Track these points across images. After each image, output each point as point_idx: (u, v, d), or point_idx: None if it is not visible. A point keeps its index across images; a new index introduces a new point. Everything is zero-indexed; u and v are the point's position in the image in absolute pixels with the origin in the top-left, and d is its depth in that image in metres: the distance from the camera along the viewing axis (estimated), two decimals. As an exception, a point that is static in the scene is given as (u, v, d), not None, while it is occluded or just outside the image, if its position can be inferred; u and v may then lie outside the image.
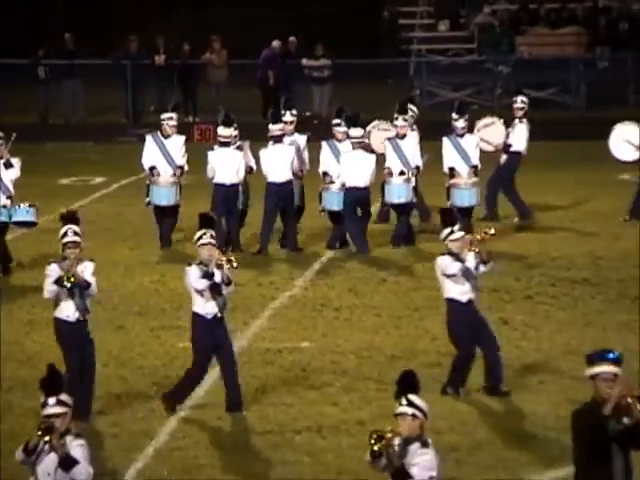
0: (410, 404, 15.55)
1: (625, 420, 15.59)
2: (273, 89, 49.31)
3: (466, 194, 32.49)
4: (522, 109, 35.12)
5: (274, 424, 22.49)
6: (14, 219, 30.87)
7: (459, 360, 22.79)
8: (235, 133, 32.22)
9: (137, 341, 26.21)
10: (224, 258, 21.84)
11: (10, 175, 31.22)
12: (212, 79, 51.66)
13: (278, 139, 32.20)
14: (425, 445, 15.38)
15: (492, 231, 22.46)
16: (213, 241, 22.30)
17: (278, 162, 32.08)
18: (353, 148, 32.15)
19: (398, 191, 32.43)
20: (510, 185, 34.48)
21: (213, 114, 47.72)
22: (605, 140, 33.27)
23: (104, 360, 24.68)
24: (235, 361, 22.63)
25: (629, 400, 15.64)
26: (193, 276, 21.91)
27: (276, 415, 22.84)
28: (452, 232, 22.27)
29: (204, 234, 22.34)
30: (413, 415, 15.48)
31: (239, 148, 32.23)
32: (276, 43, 50.55)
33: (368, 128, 34.09)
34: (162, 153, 32.44)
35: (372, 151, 32.37)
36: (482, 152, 34.47)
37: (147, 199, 32.33)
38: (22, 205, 30.89)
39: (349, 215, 31.80)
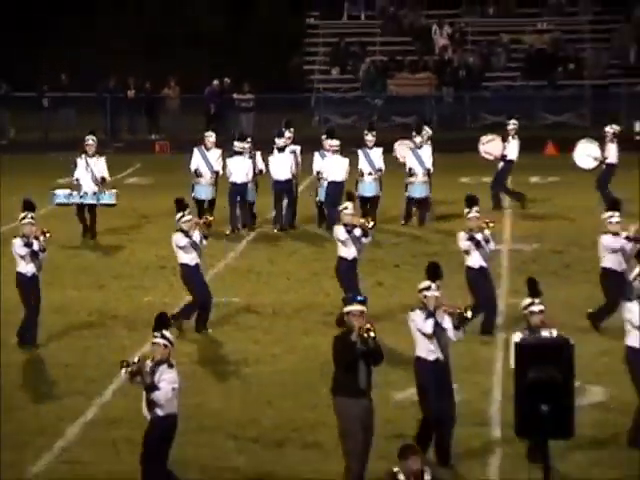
0: (163, 337, 16.08)
1: (370, 343, 16.17)
2: (213, 116, 49.11)
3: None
4: (514, 129, 34.36)
5: (213, 357, 22.42)
6: (101, 202, 30.95)
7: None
8: (248, 146, 32.13)
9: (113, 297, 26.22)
10: None
11: (100, 167, 31.21)
12: (169, 108, 51.40)
13: (281, 149, 32.11)
14: (171, 366, 15.91)
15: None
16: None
17: (281, 166, 32.00)
18: (332, 154, 31.90)
19: (420, 189, 32.40)
20: (504, 183, 34.11)
21: (169, 134, 47.63)
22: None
23: (89, 311, 24.57)
24: None
25: (369, 328, 16.12)
26: None
27: (214, 350, 22.80)
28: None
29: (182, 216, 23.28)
30: (164, 345, 15.95)
31: (252, 157, 32.03)
32: (215, 82, 50.29)
33: (395, 144, 33.98)
34: (204, 161, 32.04)
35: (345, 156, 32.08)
36: (486, 160, 34.52)
37: (192, 194, 31.74)
38: (107, 191, 31.09)
39: (330, 200, 31.44)
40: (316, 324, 23.95)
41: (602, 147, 33.30)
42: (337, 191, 31.21)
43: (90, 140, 31.69)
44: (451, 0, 53.90)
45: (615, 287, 22.29)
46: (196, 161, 32.25)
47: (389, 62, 52.09)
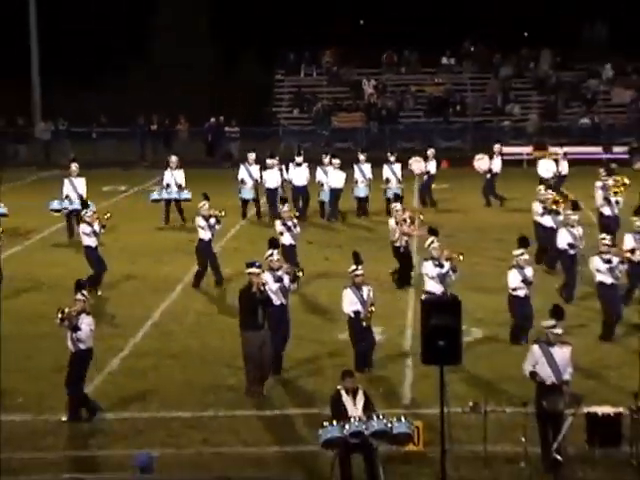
0: (82, 294, 15.83)
1: (264, 293, 16.79)
2: (211, 144, 48.85)
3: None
4: (499, 150, 33.63)
5: (212, 310, 22.21)
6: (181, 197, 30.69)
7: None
8: (276, 162, 31.82)
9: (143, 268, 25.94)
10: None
11: (179, 175, 31.22)
12: (180, 137, 51.12)
13: (299, 164, 31.66)
14: (88, 314, 15.65)
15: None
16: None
17: (300, 176, 31.49)
18: (334, 169, 31.47)
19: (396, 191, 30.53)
20: (492, 190, 33.18)
21: (180, 155, 47.23)
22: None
23: (127, 278, 24.27)
24: None
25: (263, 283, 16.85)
26: None
27: (214, 305, 22.55)
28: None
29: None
30: (83, 300, 15.74)
31: (280, 170, 31.86)
32: (212, 119, 49.94)
33: (410, 160, 33.57)
34: (247, 172, 31.61)
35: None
36: (477, 173, 33.84)
37: (239, 195, 31.67)
38: (185, 190, 30.75)
39: (332, 201, 31.22)
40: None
41: (490, 160, 33.17)
42: (337, 194, 31.20)
43: (73, 166, 29.54)
44: (375, 62, 53.85)
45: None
46: (242, 173, 31.74)
47: (333, 105, 51.92)
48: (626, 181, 26.33)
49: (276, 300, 17.53)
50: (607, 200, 25.37)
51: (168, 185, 30.95)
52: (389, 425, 13.28)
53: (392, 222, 23.05)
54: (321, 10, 55.96)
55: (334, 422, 13.17)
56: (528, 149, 45.01)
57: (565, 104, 50.32)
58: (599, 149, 44.82)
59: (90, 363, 15.91)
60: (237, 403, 16.44)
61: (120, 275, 24.31)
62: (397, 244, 23.29)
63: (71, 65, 54.29)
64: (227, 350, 19.06)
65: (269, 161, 31.95)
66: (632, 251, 20.16)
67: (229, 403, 16.43)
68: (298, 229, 23.84)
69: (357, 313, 17.49)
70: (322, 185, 31.51)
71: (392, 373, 17.69)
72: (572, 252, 21.58)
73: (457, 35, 53.02)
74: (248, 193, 31.80)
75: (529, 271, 18.89)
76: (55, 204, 29.11)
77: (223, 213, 23.99)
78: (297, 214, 29.89)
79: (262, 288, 16.94)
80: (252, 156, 32.28)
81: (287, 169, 32.12)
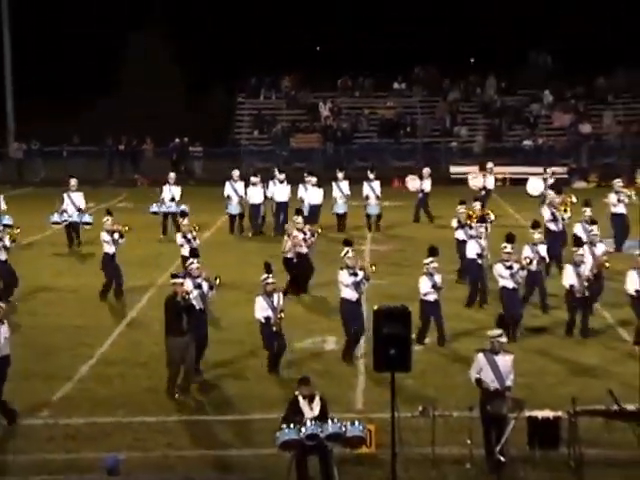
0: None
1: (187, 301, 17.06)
2: (175, 162, 48.72)
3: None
4: (490, 169, 34.06)
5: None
6: (83, 221, 29.79)
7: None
8: (259, 180, 31.75)
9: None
10: None
11: (176, 191, 31.52)
12: (146, 157, 50.98)
13: (282, 182, 31.68)
14: (3, 323, 15.42)
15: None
16: None
17: (282, 193, 31.51)
18: (312, 186, 31.54)
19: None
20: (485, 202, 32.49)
21: (146, 174, 47.14)
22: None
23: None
24: None
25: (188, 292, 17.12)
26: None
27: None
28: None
29: None
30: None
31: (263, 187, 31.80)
32: (177, 140, 49.91)
33: (407, 178, 34.34)
34: (233, 189, 31.64)
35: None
36: (471, 189, 33.83)
37: (226, 210, 31.93)
38: (86, 214, 30.15)
39: (310, 216, 30.22)
40: (244, 293, 23.70)
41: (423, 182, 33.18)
42: (316, 210, 31.08)
43: (73, 181, 30.13)
44: (331, 86, 53.98)
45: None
46: (227, 190, 31.65)
47: (291, 126, 52.00)
48: (573, 199, 26.72)
49: (195, 305, 17.82)
50: (553, 216, 25.63)
51: (164, 200, 31.26)
52: (343, 428, 13.31)
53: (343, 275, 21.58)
54: (280, 38, 56.12)
55: (291, 425, 13.19)
56: (474, 169, 45.24)
57: (509, 127, 50.71)
58: (540, 169, 45.13)
59: (7, 370, 15.66)
60: (200, 409, 16.42)
61: (89, 286, 24.15)
62: (288, 255, 23.49)
63: (44, 89, 54.12)
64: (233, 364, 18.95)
65: (253, 179, 31.81)
66: (530, 261, 20.70)
67: (192, 408, 16.40)
68: (197, 241, 24.29)
69: (268, 319, 17.79)
70: (303, 201, 31.27)
71: (346, 379, 17.70)
72: (480, 262, 21.96)
73: (408, 61, 53.33)
74: (235, 208, 31.71)
75: (438, 278, 19.26)
76: (55, 217, 29.47)
77: (127, 228, 23.95)
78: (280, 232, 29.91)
79: (186, 296, 17.20)
80: (236, 173, 32.24)
81: (267, 186, 32.03)
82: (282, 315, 17.90)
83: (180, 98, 59.52)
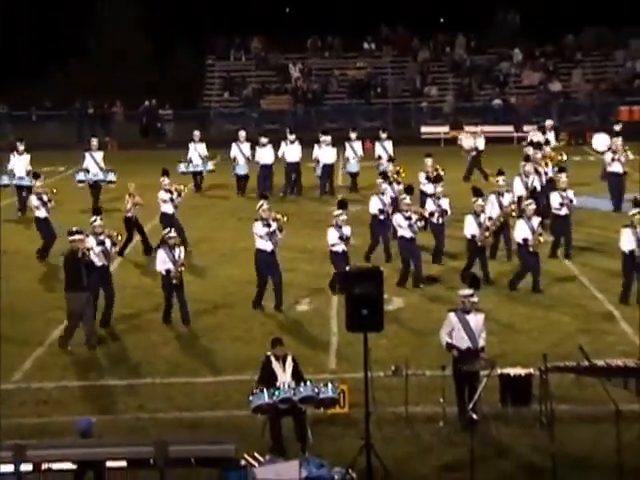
0: None
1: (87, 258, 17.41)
2: (145, 125, 48.38)
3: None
4: (474, 132, 33.87)
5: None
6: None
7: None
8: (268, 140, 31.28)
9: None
10: None
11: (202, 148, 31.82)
12: (116, 120, 50.58)
13: (292, 142, 31.19)
14: None
15: None
16: None
17: (293, 153, 31.02)
18: (326, 145, 30.95)
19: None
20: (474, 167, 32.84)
21: (117, 137, 46.76)
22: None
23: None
24: None
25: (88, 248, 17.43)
26: None
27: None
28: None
29: None
30: None
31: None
32: (147, 103, 49.55)
33: (460, 136, 34.51)
34: (239, 150, 31.42)
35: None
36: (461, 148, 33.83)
37: (233, 172, 31.66)
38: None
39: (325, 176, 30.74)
40: (216, 256, 23.69)
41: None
42: (329, 169, 30.76)
43: (94, 141, 30.87)
44: (301, 48, 53.66)
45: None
46: (234, 151, 31.45)
47: (261, 88, 51.69)
48: (564, 157, 27.14)
49: (98, 262, 18.22)
50: (537, 172, 25.46)
51: (191, 159, 31.68)
52: (316, 390, 13.28)
53: (257, 225, 19.94)
54: (249, -1, 55.72)
55: (264, 389, 13.14)
56: (445, 129, 45.26)
57: (479, 86, 50.60)
58: (510, 128, 45.20)
59: None
60: (171, 371, 16.35)
61: (55, 251, 23.95)
62: (128, 214, 23.92)
63: (12, 53, 53.51)
64: (161, 321, 18.93)
65: (263, 139, 31.45)
66: (431, 214, 21.77)
67: (164, 371, 16.32)
68: (52, 203, 24.05)
69: (168, 271, 18.41)
70: (318, 161, 30.88)
71: (319, 340, 17.67)
72: (439, 221, 22.21)
73: (377, 21, 53.03)
74: (242, 169, 31.50)
75: (347, 230, 19.89)
76: (81, 175, 29.87)
77: (55, 191, 24.57)
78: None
79: (86, 253, 17.57)
80: (243, 134, 31.96)
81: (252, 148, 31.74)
82: (182, 268, 18.55)
83: (149, 60, 59.07)
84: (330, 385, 13.46)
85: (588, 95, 48.79)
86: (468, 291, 14.14)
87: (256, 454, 12.22)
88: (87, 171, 29.95)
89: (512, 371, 14.10)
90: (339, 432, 13.75)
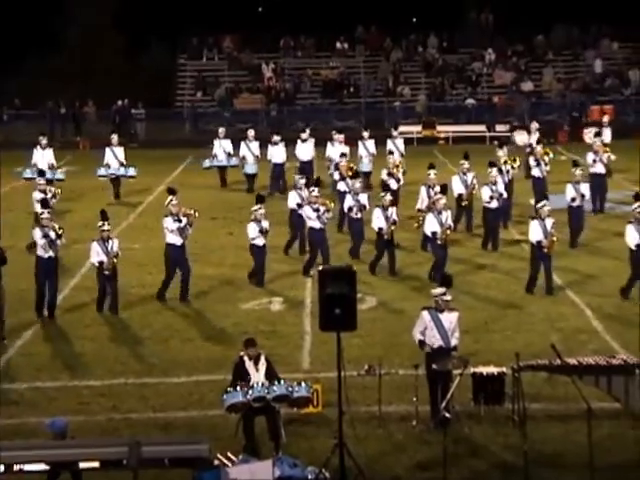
0: None
1: None
2: (118, 124, 48.14)
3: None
4: (535, 127, 32.92)
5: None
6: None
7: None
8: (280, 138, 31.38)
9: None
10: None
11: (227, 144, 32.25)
12: (88, 119, 50.31)
13: (304, 140, 31.39)
14: None
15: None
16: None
17: (305, 152, 31.12)
18: (339, 143, 30.62)
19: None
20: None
21: (89, 136, 46.48)
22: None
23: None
24: None
25: None
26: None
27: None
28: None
29: None
30: None
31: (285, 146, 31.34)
32: (119, 102, 49.34)
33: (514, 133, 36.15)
34: (248, 149, 31.34)
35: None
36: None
37: (243, 170, 31.60)
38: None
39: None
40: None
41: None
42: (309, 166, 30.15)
43: (114, 137, 31.20)
44: (274, 47, 53.61)
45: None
46: (243, 150, 31.36)
47: (234, 87, 51.58)
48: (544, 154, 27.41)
49: (44, 254, 19.01)
50: (499, 170, 25.65)
51: (216, 155, 32.10)
52: (290, 389, 13.28)
53: (168, 221, 20.48)
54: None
55: (237, 388, 13.12)
56: (418, 128, 45.35)
57: (451, 86, 50.72)
58: (483, 127, 45.36)
59: None
60: (145, 371, 16.29)
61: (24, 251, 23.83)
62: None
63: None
64: (135, 321, 18.90)
65: (275, 137, 31.47)
66: (350, 209, 22.52)
67: (137, 371, 16.27)
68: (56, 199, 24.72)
69: (101, 263, 19.07)
70: (330, 160, 30.33)
71: (292, 339, 17.66)
72: (357, 216, 22.57)
73: (350, 21, 53.04)
74: (251, 168, 31.34)
75: (265, 223, 20.63)
76: (102, 171, 30.41)
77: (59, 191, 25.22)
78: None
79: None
80: (252, 133, 31.94)
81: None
82: (115, 260, 19.15)
83: (121, 60, 58.84)
84: (304, 384, 13.47)
85: (559, 94, 49.01)
86: (440, 290, 14.14)
87: (229, 454, 12.20)
88: (108, 166, 30.60)
89: (485, 370, 14.14)
90: (312, 431, 13.75)
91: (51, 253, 19.04)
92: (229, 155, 32.33)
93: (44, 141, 30.87)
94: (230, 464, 11.92)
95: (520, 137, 34.43)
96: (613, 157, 27.56)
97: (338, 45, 53.55)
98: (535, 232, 19.80)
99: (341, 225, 25.23)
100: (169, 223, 19.95)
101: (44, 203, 20.38)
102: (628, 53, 51.27)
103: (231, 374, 13.59)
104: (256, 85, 51.58)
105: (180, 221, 19.88)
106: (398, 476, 12.50)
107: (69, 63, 56.41)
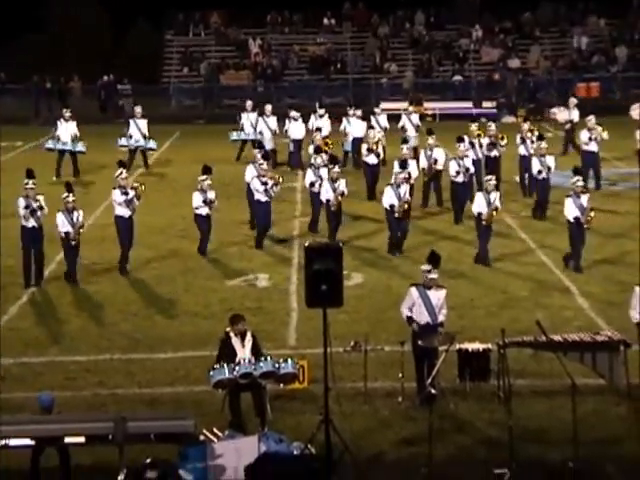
0: None
1: None
2: (104, 100, 48.00)
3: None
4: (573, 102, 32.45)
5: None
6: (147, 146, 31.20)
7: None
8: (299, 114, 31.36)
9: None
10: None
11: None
12: (74, 94, 50.03)
13: (321, 116, 31.35)
14: None
15: None
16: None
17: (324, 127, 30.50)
18: (356, 119, 30.57)
19: None
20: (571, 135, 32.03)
21: (74, 112, 46.08)
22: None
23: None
24: None
25: None
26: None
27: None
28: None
29: None
30: None
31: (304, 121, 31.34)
32: (105, 77, 49.11)
33: (554, 110, 36.34)
34: (266, 125, 31.00)
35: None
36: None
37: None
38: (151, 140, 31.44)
39: (354, 150, 29.92)
40: (176, 231, 23.61)
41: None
42: (359, 142, 29.19)
43: (137, 109, 31.84)
44: (260, 23, 53.41)
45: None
46: (260, 126, 31.17)
47: (221, 63, 51.39)
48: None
49: (28, 224, 19.30)
50: (523, 140, 26.07)
51: (131, 135, 31.60)
52: (276, 366, 13.30)
53: (116, 193, 20.80)
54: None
55: (224, 364, 13.13)
56: (405, 104, 45.22)
57: (438, 62, 50.64)
58: (469, 104, 45.30)
59: None
60: (131, 347, 16.29)
61: (13, 227, 23.70)
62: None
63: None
64: (120, 297, 18.88)
65: (294, 113, 31.36)
66: (312, 184, 22.67)
67: (124, 347, 16.26)
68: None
69: (67, 233, 19.36)
70: (346, 135, 30.44)
71: (279, 316, 17.67)
72: (315, 189, 22.82)
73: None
74: (268, 144, 30.61)
75: (211, 194, 21.09)
76: (123, 141, 31.18)
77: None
78: None
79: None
80: (269, 108, 31.76)
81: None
82: (81, 231, 19.52)
83: (107, 35, 58.53)
84: (290, 361, 13.48)
85: (547, 71, 48.98)
86: (426, 267, 14.18)
87: (215, 430, 12.22)
88: (130, 137, 31.16)
89: (470, 346, 14.18)
90: (298, 407, 13.77)
91: (34, 223, 19.30)
92: (254, 129, 31.67)
93: (67, 114, 31.20)
94: (216, 440, 11.95)
95: (561, 114, 34.15)
96: (606, 136, 27.32)
97: (325, 21, 53.37)
98: (570, 208, 19.57)
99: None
100: (117, 195, 20.35)
101: (29, 173, 20.16)
102: (614, 30, 51.23)
103: (217, 350, 13.58)
104: (242, 61, 51.40)
105: (127, 194, 20.23)
106: (384, 452, 12.55)
107: (54, 38, 56.07)
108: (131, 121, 31.57)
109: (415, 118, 31.33)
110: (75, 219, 19.43)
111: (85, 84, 50.18)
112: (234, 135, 32.38)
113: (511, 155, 26.87)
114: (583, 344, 13.96)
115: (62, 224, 19.38)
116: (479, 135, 26.45)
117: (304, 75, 50.98)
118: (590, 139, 27.17)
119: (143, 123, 31.35)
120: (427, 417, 11.97)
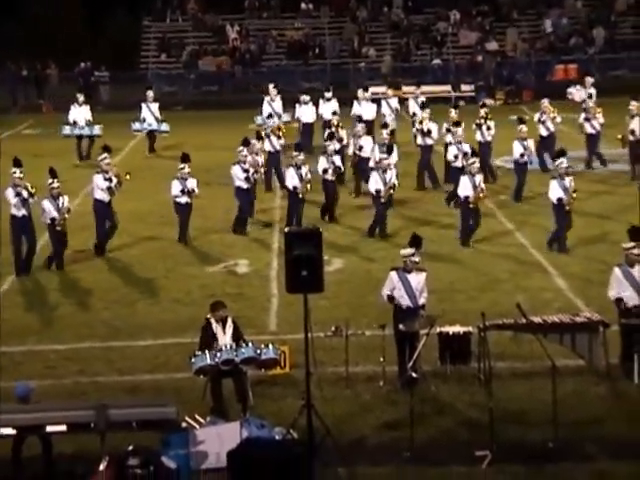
0: None
1: None
2: (82, 86, 47.65)
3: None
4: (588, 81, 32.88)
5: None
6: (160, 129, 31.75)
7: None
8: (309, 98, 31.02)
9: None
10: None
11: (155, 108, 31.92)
12: (51, 82, 49.77)
13: (328, 100, 31.08)
14: None
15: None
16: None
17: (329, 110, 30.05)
18: (366, 101, 30.74)
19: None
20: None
21: (51, 99, 45.98)
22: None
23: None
24: None
25: None
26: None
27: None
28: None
29: None
30: None
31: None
32: (82, 64, 48.87)
33: (570, 89, 34.73)
34: (271, 108, 30.77)
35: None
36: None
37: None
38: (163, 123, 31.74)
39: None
40: (157, 217, 23.56)
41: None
42: (370, 125, 28.80)
43: (149, 92, 32.12)
44: (238, 8, 53.19)
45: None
46: (266, 109, 30.73)
47: (199, 49, 51.19)
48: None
49: (17, 212, 19.30)
50: (479, 126, 26.19)
51: (144, 119, 31.86)
52: (258, 351, 13.30)
53: (99, 180, 21.21)
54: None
55: (206, 351, 13.13)
56: (383, 89, 45.18)
57: (416, 46, 50.59)
58: (448, 88, 45.29)
59: None
60: (111, 334, 16.26)
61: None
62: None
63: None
64: (100, 285, 18.85)
65: (304, 97, 31.08)
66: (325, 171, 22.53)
67: (103, 335, 16.23)
68: None
69: (53, 219, 19.48)
70: (357, 118, 29.60)
71: (259, 302, 17.66)
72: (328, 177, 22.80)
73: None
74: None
75: (191, 182, 21.18)
76: (137, 125, 31.49)
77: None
78: None
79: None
80: (274, 92, 31.51)
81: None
82: (67, 216, 19.63)
83: (84, 21, 58.22)
84: (271, 346, 13.49)
85: (525, 54, 49.01)
86: (409, 250, 14.16)
87: (197, 416, 12.22)
88: (144, 120, 31.51)
89: (451, 329, 14.22)
90: (280, 393, 13.78)
91: (24, 212, 19.31)
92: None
93: (81, 98, 31.45)
94: (198, 426, 11.95)
95: (578, 93, 34.00)
96: (601, 119, 27.40)
97: (303, 6, 53.21)
98: (555, 190, 19.78)
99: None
100: (99, 180, 20.51)
101: (16, 162, 20.08)
102: (592, 12, 51.28)
103: (198, 337, 13.57)
104: (221, 47, 51.22)
105: (110, 180, 20.43)
106: (366, 436, 12.58)
107: (30, 24, 55.70)
108: (143, 105, 31.84)
109: (394, 102, 31.30)
110: (61, 205, 19.55)
111: (62, 71, 49.90)
112: (259, 120, 30.79)
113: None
114: (563, 325, 14.02)
115: (48, 210, 19.46)
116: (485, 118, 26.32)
117: (282, 60, 50.82)
118: (587, 120, 27.34)
119: (155, 107, 31.66)
120: (408, 400, 12.01)
